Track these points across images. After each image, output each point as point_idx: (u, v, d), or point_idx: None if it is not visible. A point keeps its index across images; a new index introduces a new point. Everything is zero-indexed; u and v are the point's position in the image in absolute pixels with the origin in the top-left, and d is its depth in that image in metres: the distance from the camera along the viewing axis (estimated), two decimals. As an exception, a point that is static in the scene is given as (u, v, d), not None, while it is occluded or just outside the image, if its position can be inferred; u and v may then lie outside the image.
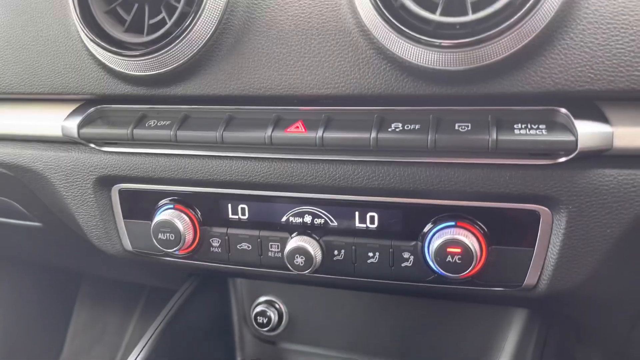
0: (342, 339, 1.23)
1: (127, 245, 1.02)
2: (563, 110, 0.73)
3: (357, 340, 1.22)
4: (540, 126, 0.72)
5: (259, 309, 1.26)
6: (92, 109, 0.94)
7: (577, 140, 0.70)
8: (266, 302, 1.27)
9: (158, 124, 0.88)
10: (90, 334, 2.41)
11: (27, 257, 1.83)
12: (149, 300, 2.43)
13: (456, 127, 0.75)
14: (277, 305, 1.26)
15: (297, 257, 0.88)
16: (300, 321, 1.25)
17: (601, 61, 0.68)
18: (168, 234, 0.93)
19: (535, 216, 0.79)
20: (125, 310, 2.44)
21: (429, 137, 0.74)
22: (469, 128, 0.75)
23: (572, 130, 0.71)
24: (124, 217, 1.00)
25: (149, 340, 1.09)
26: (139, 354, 1.06)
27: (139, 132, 0.88)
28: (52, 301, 2.33)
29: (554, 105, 0.74)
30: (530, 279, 0.83)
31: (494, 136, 0.72)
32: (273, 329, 1.25)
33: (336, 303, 1.20)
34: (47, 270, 2.20)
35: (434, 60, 0.72)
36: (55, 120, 0.96)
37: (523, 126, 0.73)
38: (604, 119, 0.71)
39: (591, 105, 0.72)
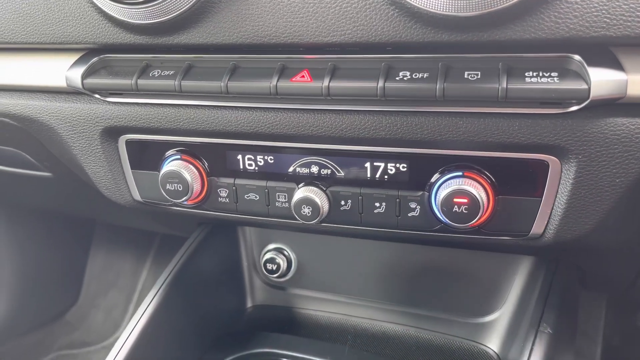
0: (349, 285, 1.25)
1: (136, 195, 1.03)
2: (576, 57, 0.70)
3: (364, 286, 1.24)
4: (552, 74, 0.70)
5: (268, 256, 1.28)
6: (95, 59, 0.92)
7: (589, 88, 0.68)
8: (275, 249, 1.29)
9: (162, 73, 0.87)
10: (105, 279, 2.48)
11: (40, 206, 1.86)
12: (161, 246, 2.48)
13: (465, 76, 0.73)
14: (285, 253, 1.28)
15: (304, 207, 0.89)
16: (309, 268, 1.27)
17: (618, 5, 0.65)
18: (176, 185, 0.93)
19: (543, 166, 0.78)
20: (139, 256, 2.50)
21: (438, 86, 0.73)
22: (479, 76, 0.73)
23: (585, 78, 0.69)
24: (132, 167, 1.00)
25: (161, 286, 1.12)
26: (152, 300, 1.09)
27: (143, 82, 0.87)
28: (67, 247, 2.39)
29: (566, 52, 0.71)
30: (536, 229, 0.83)
31: (504, 84, 0.70)
32: (282, 276, 1.28)
33: (343, 250, 1.22)
34: (61, 218, 2.25)
35: (443, 6, 0.69)
36: (59, 71, 0.94)
37: (534, 74, 0.71)
38: (619, 66, 0.69)
39: (605, 52, 0.70)
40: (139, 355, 1.02)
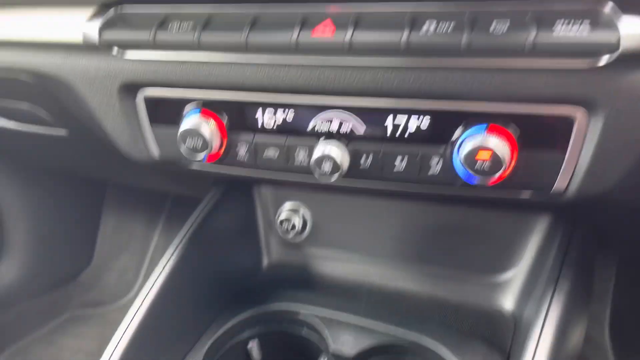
0: (364, 244, 1.26)
1: (155, 152, 1.03)
2: (610, 4, 0.68)
3: (379, 245, 1.25)
4: (583, 23, 0.68)
5: (283, 215, 1.29)
6: (111, 12, 0.91)
7: (622, 39, 0.67)
8: (291, 208, 1.29)
9: (180, 27, 0.85)
10: (117, 242, 2.51)
11: (53, 167, 1.87)
12: (172, 209, 2.50)
13: (492, 26, 0.71)
14: (301, 211, 1.29)
15: (324, 163, 0.88)
16: (324, 227, 1.28)
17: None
18: (195, 141, 0.93)
19: (569, 120, 0.77)
20: (150, 220, 2.52)
21: (463, 38, 0.71)
22: (506, 27, 0.71)
23: (617, 28, 0.67)
24: (151, 123, 1.00)
25: (179, 244, 1.13)
26: (170, 257, 1.10)
27: (161, 36, 0.86)
28: (79, 210, 2.41)
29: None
30: (559, 184, 0.82)
31: (533, 36, 0.69)
32: (298, 235, 1.29)
33: (358, 209, 1.22)
34: (73, 181, 2.26)
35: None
36: (76, 25, 0.93)
37: (564, 24, 0.69)
38: None
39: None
40: (159, 311, 1.03)
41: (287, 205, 1.30)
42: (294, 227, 1.28)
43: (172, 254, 1.10)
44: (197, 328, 1.13)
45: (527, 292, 1.09)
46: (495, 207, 1.11)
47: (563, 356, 0.87)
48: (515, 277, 1.13)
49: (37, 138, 1.28)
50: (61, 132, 1.22)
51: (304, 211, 1.28)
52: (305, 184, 1.00)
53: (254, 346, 1.15)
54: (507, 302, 1.14)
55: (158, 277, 1.06)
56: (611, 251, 1.62)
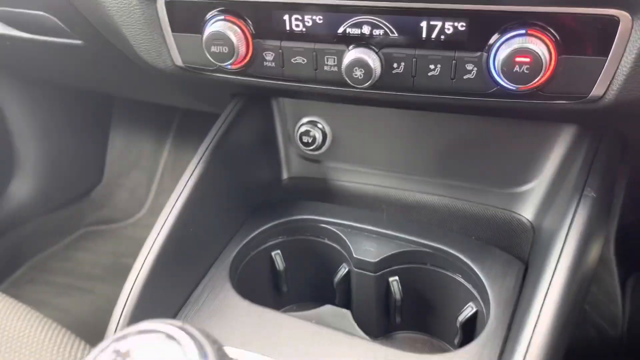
0: (383, 158, 1.26)
1: (177, 59, 1.00)
2: None
3: (398, 159, 1.25)
4: None
5: (303, 128, 1.28)
6: None
7: None
8: (310, 122, 1.28)
9: None
10: (127, 159, 2.52)
11: (64, 81, 1.83)
12: (180, 127, 2.48)
13: None
14: (320, 125, 1.28)
15: (355, 69, 0.86)
16: (343, 141, 1.27)
17: None
18: (221, 47, 0.90)
19: (613, 22, 0.75)
20: (158, 137, 2.51)
21: None
22: None
23: None
24: (173, 30, 0.96)
25: (201, 158, 1.12)
26: (192, 172, 1.10)
27: None
28: (88, 128, 2.40)
29: None
30: (597, 90, 0.81)
31: None
32: (317, 149, 1.28)
33: (378, 123, 1.21)
34: (80, 97, 2.23)
35: None
36: None
37: None
38: None
39: None
40: (185, 222, 1.05)
41: (306, 119, 1.28)
42: (314, 140, 1.27)
43: (196, 167, 1.10)
44: (222, 239, 1.15)
45: (548, 203, 1.10)
46: (518, 120, 1.10)
47: (583, 267, 0.89)
48: (536, 188, 1.14)
49: (51, 50, 1.25)
50: (77, 42, 1.18)
51: (324, 125, 1.27)
52: (332, 95, 0.99)
53: (278, 254, 1.18)
54: (527, 212, 1.15)
55: (183, 190, 1.06)
56: (623, 167, 1.63)
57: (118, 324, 0.93)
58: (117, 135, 2.49)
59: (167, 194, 2.47)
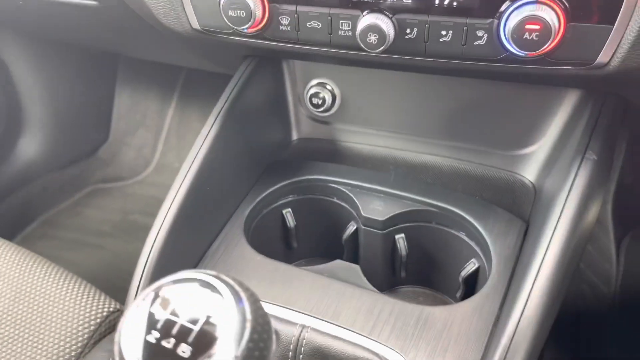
0: (391, 120, 1.29)
1: (195, 23, 1.02)
2: None
3: (405, 121, 1.28)
4: None
5: (312, 90, 1.30)
6: None
7: None
8: (319, 84, 1.31)
9: None
10: (133, 118, 2.54)
11: (73, 39, 1.84)
12: (185, 85, 2.49)
13: None
14: (329, 87, 1.30)
15: (370, 35, 0.89)
16: (352, 103, 1.30)
17: None
18: (238, 11, 0.93)
19: (622, -11, 0.77)
20: (163, 95, 2.53)
21: None
22: None
23: None
24: (190, -8, 0.99)
25: (216, 119, 1.15)
26: (208, 132, 1.14)
27: None
28: (94, 86, 2.42)
29: None
30: (603, 57, 0.84)
31: None
32: (327, 110, 1.31)
33: (386, 86, 1.24)
34: (85, 55, 2.24)
35: None
36: None
37: None
38: None
39: None
40: (204, 178, 1.09)
41: (316, 81, 1.31)
42: (323, 102, 1.30)
43: (211, 127, 1.13)
44: (236, 197, 1.19)
45: (550, 164, 1.14)
46: (523, 84, 1.13)
47: (582, 227, 0.93)
48: (538, 150, 1.18)
49: (64, 9, 1.26)
50: (92, 3, 1.20)
51: (333, 86, 1.30)
52: (345, 59, 1.01)
53: (289, 212, 1.23)
54: (529, 174, 1.19)
55: (199, 149, 1.10)
56: (623, 131, 1.66)
57: (141, 278, 0.98)
58: (123, 94, 2.51)
59: (172, 152, 2.51)
